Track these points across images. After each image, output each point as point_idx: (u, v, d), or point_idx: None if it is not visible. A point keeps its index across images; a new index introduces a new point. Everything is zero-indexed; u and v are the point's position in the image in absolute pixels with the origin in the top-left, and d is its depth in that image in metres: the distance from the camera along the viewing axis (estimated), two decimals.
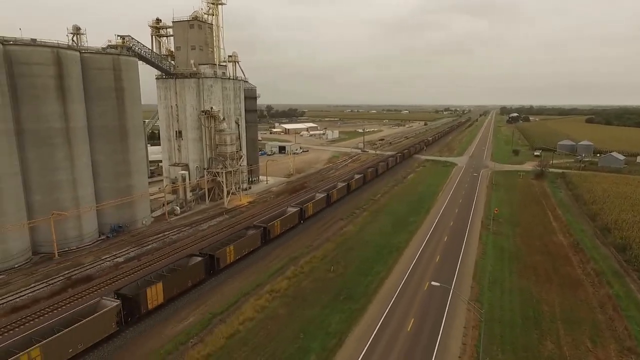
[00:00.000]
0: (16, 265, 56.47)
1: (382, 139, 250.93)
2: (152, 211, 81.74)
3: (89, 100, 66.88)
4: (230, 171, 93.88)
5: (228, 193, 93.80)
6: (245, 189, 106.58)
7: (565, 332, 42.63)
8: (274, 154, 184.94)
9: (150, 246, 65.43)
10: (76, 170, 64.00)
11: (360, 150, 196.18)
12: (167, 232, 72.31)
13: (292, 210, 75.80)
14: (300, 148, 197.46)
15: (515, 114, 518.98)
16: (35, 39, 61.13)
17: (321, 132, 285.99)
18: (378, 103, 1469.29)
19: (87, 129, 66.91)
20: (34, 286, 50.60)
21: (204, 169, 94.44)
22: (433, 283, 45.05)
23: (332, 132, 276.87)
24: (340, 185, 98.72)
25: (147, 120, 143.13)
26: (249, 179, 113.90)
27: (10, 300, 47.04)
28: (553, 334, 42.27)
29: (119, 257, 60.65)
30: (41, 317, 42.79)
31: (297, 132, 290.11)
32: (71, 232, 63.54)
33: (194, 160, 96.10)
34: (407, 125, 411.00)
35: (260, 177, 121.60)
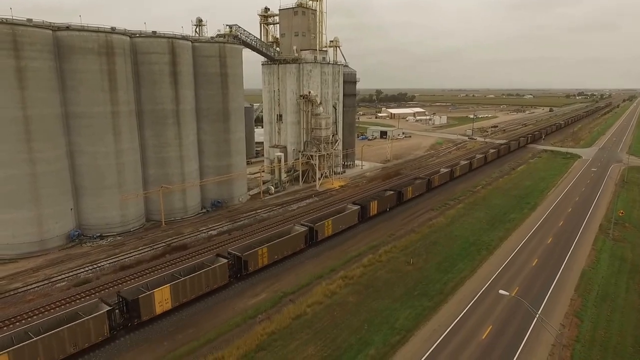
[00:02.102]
0: (132, 229, 65.56)
1: (495, 126, 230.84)
2: (249, 189, 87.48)
3: (197, 84, 73.50)
4: (324, 155, 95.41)
5: (320, 176, 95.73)
6: (339, 173, 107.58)
7: None
8: (375, 138, 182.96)
9: (241, 222, 70.30)
10: (184, 148, 71.22)
11: (467, 138, 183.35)
12: (259, 210, 76.81)
13: (389, 193, 78.10)
14: (403, 133, 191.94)
15: None
16: (156, 32, 68.66)
17: (428, 117, 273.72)
18: (497, 87, 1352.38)
19: (194, 111, 73.67)
20: (141, 249, 58.28)
21: (299, 151, 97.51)
22: (502, 292, 40.26)
23: (439, 118, 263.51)
24: (443, 171, 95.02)
25: (256, 104, 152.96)
26: (344, 163, 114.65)
27: (121, 259, 54.91)
28: None
29: (213, 230, 66.44)
30: (142, 277, 49.19)
31: (402, 117, 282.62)
32: (177, 204, 71.37)
33: (292, 143, 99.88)
34: (528, 112, 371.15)
35: (355, 161, 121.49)
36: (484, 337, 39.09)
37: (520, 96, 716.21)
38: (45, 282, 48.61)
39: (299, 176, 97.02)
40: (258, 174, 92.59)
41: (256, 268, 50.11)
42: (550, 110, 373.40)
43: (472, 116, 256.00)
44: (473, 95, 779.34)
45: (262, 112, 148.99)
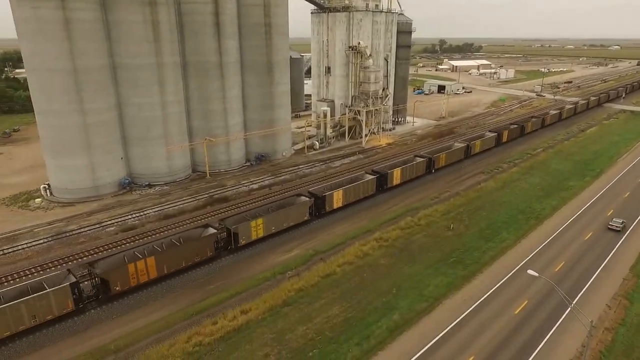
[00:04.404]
0: (178, 180, 68.18)
1: (569, 82, 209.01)
2: (294, 144, 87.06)
3: (240, 36, 72.05)
4: (372, 110, 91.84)
5: (367, 133, 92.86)
6: (388, 130, 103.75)
7: None
8: (432, 93, 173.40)
9: (283, 177, 70.57)
10: (227, 101, 71.35)
11: (535, 94, 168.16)
12: (302, 166, 76.52)
13: (458, 145, 77.85)
14: (463, 88, 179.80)
15: None
16: None
17: (493, 70, 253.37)
18: (578, 37, 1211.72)
19: (238, 63, 72.79)
20: (185, 199, 60.62)
21: (347, 106, 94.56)
22: (531, 272, 37.07)
23: (506, 71, 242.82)
24: (489, 135, 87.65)
25: (307, 55, 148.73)
26: (394, 119, 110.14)
27: (166, 208, 57.56)
28: None
29: (254, 183, 67.38)
30: (182, 226, 51.38)
31: (465, 69, 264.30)
32: (221, 156, 72.78)
33: (340, 97, 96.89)
34: (610, 65, 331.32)
35: (407, 118, 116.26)
36: (516, 312, 36.93)
37: (605, 47, 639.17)
38: (97, 226, 52.35)
39: (345, 132, 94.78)
40: (304, 128, 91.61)
41: (249, 241, 47.30)
42: (639, 64, 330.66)
43: (544, 70, 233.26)
44: (549, 46, 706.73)
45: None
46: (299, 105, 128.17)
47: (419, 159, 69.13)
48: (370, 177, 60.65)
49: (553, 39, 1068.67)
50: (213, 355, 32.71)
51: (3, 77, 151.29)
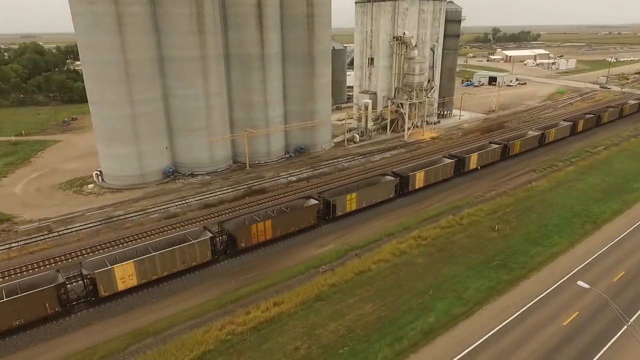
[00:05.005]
0: (219, 170, 69.56)
1: (639, 72, 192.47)
2: (334, 136, 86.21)
3: (282, 27, 71.84)
4: (415, 103, 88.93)
5: (411, 126, 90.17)
6: (433, 123, 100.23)
7: None
8: (481, 85, 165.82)
9: (321, 170, 70.09)
10: (268, 93, 71.65)
11: (598, 86, 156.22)
12: (341, 159, 75.63)
13: (533, 133, 78.71)
14: (517, 80, 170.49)
15: None
16: None
17: (551, 60, 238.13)
18: None
19: (280, 54, 72.71)
20: (225, 189, 61.73)
21: (389, 99, 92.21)
22: (581, 284, 33.95)
23: (566, 62, 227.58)
24: (564, 124, 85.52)
25: (351, 46, 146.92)
26: (439, 112, 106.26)
27: (206, 197, 58.89)
28: None
29: (292, 176, 67.39)
30: (222, 216, 52.31)
31: (520, 60, 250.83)
32: (261, 148, 73.41)
33: (382, 89, 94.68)
34: None
35: (454, 111, 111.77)
36: (565, 323, 34.28)
37: None
38: (142, 212, 54.49)
39: (387, 125, 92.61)
40: (344, 121, 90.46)
41: (344, 212, 52.28)
42: None
43: (611, 59, 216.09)
44: (619, 33, 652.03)
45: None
46: (341, 97, 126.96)
47: (494, 145, 72.03)
48: (449, 160, 64.23)
49: (624, 25, 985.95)
50: (245, 345, 32.98)
51: (65, 69, 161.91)
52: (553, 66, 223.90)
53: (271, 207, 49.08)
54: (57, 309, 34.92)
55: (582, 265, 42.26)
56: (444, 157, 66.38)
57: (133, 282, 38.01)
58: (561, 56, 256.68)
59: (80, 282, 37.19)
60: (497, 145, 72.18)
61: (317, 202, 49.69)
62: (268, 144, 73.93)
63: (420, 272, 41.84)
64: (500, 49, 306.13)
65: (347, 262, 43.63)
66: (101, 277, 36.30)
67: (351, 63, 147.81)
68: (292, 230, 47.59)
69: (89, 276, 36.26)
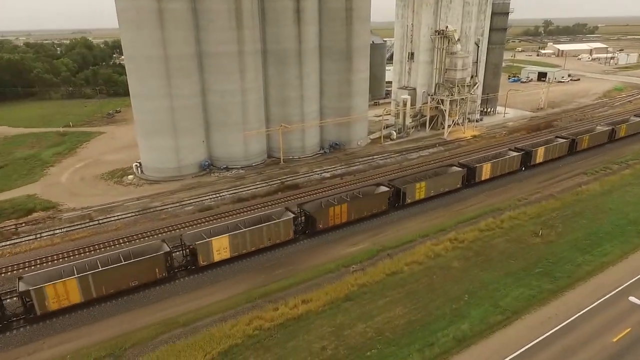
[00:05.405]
0: (253, 164, 69.97)
1: None
2: (370, 133, 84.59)
3: (320, 21, 70.94)
4: (457, 99, 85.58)
5: (451, 124, 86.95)
6: (475, 121, 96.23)
7: None
8: (530, 81, 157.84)
9: (355, 167, 68.88)
10: (304, 88, 71.14)
11: None
12: (376, 156, 74.04)
13: (601, 129, 77.21)
14: (569, 75, 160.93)
15: None
16: None
17: (609, 55, 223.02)
18: None
19: (317, 49, 71.92)
20: (258, 184, 61.93)
21: (429, 95, 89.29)
22: (633, 300, 30.82)
23: (626, 56, 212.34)
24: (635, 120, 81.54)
25: (390, 40, 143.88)
26: (482, 109, 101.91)
27: (240, 191, 59.29)
28: None
29: (326, 172, 66.65)
30: (253, 210, 52.42)
31: (574, 54, 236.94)
32: (296, 143, 73.12)
33: (422, 85, 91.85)
34: None
35: (498, 108, 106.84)
36: (614, 340, 31.51)
37: None
38: (177, 204, 55.61)
39: (425, 122, 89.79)
40: (381, 117, 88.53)
41: (413, 200, 54.17)
42: None
43: None
44: None
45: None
46: (379, 92, 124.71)
47: (561, 140, 70.95)
48: (515, 154, 64.25)
49: None
50: (271, 341, 32.66)
51: (111, 63, 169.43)
52: (611, 61, 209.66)
53: (344, 192, 51.86)
54: (164, 274, 38.79)
55: (635, 279, 38.83)
56: (510, 150, 66.53)
57: (227, 254, 41.39)
58: (621, 50, 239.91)
59: (180, 252, 41.14)
60: (564, 140, 70.90)
61: (388, 189, 51.47)
62: (303, 140, 73.52)
63: (455, 276, 39.98)
64: (551, 43, 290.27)
65: (378, 263, 42.45)
66: (201, 248, 39.84)
67: (391, 58, 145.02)
68: (365, 214, 49.91)
69: (190, 246, 39.79)
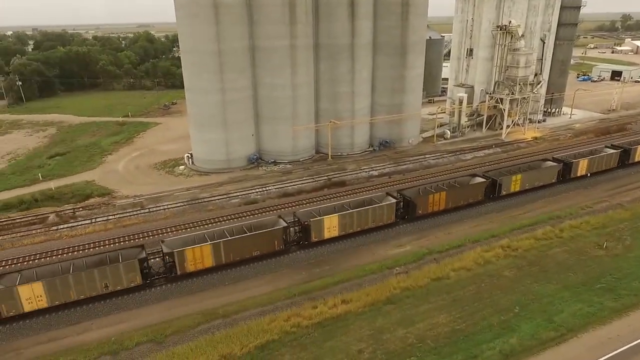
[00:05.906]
0: (301, 159, 70.00)
1: None
2: (422, 131, 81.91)
3: (375, 16, 69.31)
4: (518, 99, 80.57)
5: (511, 124, 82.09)
6: (537, 122, 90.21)
7: None
8: (602, 80, 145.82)
9: (405, 166, 66.91)
10: (356, 84, 70.00)
11: None
12: (428, 155, 71.50)
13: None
14: None
15: None
16: None
17: None
18: None
19: (370, 45, 70.42)
20: (305, 179, 61.83)
21: (487, 93, 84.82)
22: None
23: None
24: None
25: (446, 35, 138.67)
26: (546, 109, 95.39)
27: (286, 186, 59.53)
28: None
29: (374, 170, 65.28)
30: (298, 206, 52.41)
31: None
32: (344, 139, 72.26)
33: (481, 83, 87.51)
34: None
35: (564, 109, 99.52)
36: None
37: None
38: (224, 196, 56.85)
39: (482, 122, 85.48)
40: (435, 115, 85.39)
41: (508, 192, 54.61)
42: None
43: None
44: None
45: None
46: (435, 89, 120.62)
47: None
48: (613, 151, 62.89)
49: None
50: (308, 339, 32.34)
51: (170, 56, 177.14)
52: None
53: (441, 181, 53.94)
54: (282, 247, 42.11)
55: None
56: (606, 147, 65.18)
57: (335, 232, 44.35)
58: None
59: (294, 228, 43.94)
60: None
61: (484, 180, 52.58)
62: (352, 136, 72.53)
63: (505, 286, 37.57)
64: (629, 39, 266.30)
65: (423, 266, 40.90)
66: (314, 225, 43.05)
67: (448, 54, 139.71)
68: (462, 203, 51.19)
69: (305, 223, 43.05)
